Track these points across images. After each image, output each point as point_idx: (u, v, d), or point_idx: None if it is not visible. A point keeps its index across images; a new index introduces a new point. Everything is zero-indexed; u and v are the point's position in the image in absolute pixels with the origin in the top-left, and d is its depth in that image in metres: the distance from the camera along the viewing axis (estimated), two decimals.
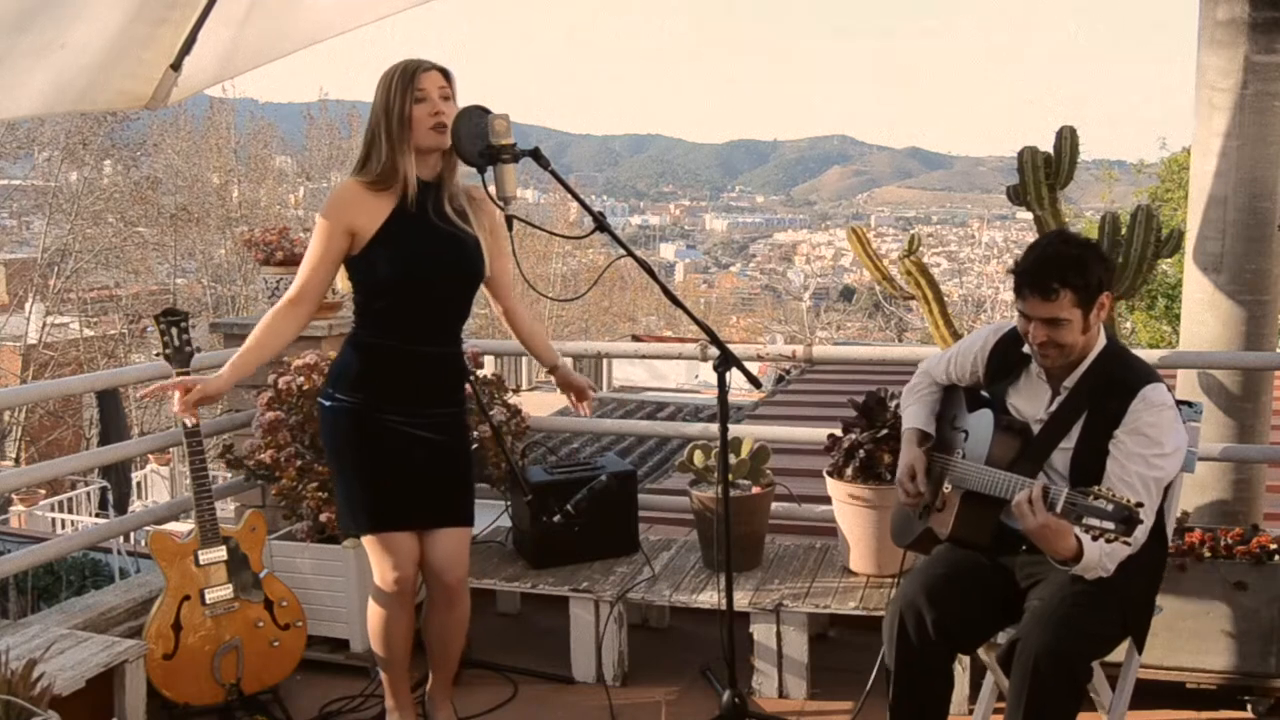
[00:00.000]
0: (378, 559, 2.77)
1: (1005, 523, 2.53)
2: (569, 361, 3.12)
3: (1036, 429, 2.54)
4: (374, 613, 2.85)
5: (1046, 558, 2.42)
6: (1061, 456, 2.50)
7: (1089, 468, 2.44)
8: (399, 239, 2.63)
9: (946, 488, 2.61)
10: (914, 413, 2.80)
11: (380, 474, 2.70)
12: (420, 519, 2.77)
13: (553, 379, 3.05)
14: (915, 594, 2.53)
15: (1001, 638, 2.64)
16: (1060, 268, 2.40)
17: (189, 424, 2.94)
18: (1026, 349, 2.55)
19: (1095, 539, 2.20)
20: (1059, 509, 2.27)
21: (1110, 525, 2.15)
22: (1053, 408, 2.52)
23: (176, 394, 2.67)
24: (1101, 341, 2.51)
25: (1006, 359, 2.64)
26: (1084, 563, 2.33)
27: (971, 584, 2.57)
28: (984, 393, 2.73)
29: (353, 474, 2.73)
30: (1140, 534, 2.28)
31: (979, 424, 2.60)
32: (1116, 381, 2.46)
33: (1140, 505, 2.18)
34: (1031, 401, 2.57)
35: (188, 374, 3.21)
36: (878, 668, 2.91)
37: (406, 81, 2.60)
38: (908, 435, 2.77)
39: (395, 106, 2.59)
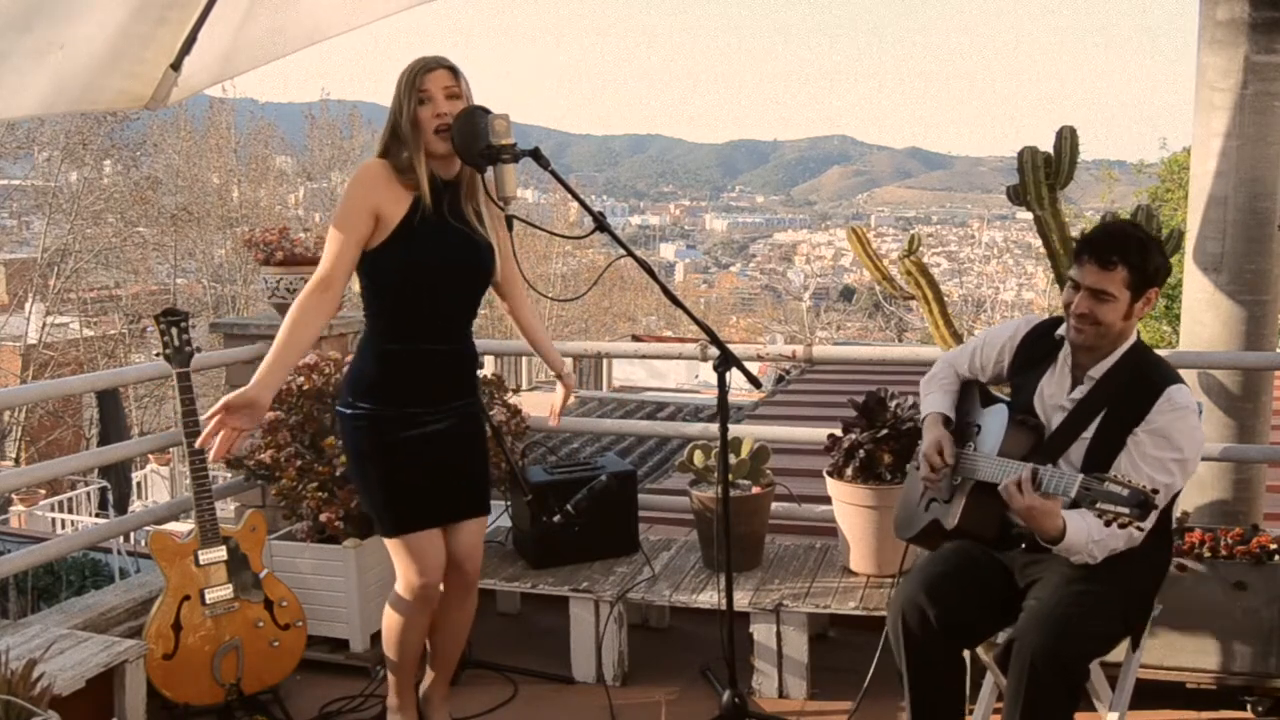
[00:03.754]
0: (403, 564, 2.74)
1: (1010, 518, 2.53)
2: (570, 363, 3.15)
3: (1058, 417, 2.54)
4: (392, 618, 2.83)
5: (1043, 554, 2.44)
6: (1078, 446, 2.50)
7: (1103, 460, 2.44)
8: (414, 239, 2.61)
9: (956, 479, 2.60)
10: (936, 399, 2.79)
11: (403, 477, 2.69)
12: (444, 514, 2.77)
13: (558, 383, 3.07)
14: (915, 592, 2.53)
15: (1001, 637, 2.64)
16: (1124, 243, 2.45)
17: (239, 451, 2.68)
18: (1060, 331, 2.56)
19: (1109, 524, 2.20)
20: (1050, 489, 2.31)
21: (1125, 510, 2.16)
22: (1075, 394, 2.53)
23: (219, 435, 2.43)
24: (1132, 337, 2.52)
25: (1036, 349, 2.65)
26: (1067, 543, 2.35)
27: (971, 582, 2.57)
28: (999, 391, 2.73)
29: (376, 480, 2.71)
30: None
31: (993, 419, 2.61)
32: (1142, 378, 2.47)
33: (1156, 491, 2.19)
34: (1055, 387, 2.58)
35: (187, 374, 3.21)
36: (874, 667, 2.92)
37: (411, 83, 2.59)
38: (932, 419, 2.75)
39: (404, 107, 2.59)
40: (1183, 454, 2.41)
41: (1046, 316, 2.71)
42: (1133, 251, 2.44)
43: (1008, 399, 2.71)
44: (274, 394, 2.54)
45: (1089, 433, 2.49)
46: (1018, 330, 2.72)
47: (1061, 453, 2.51)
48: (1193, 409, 2.44)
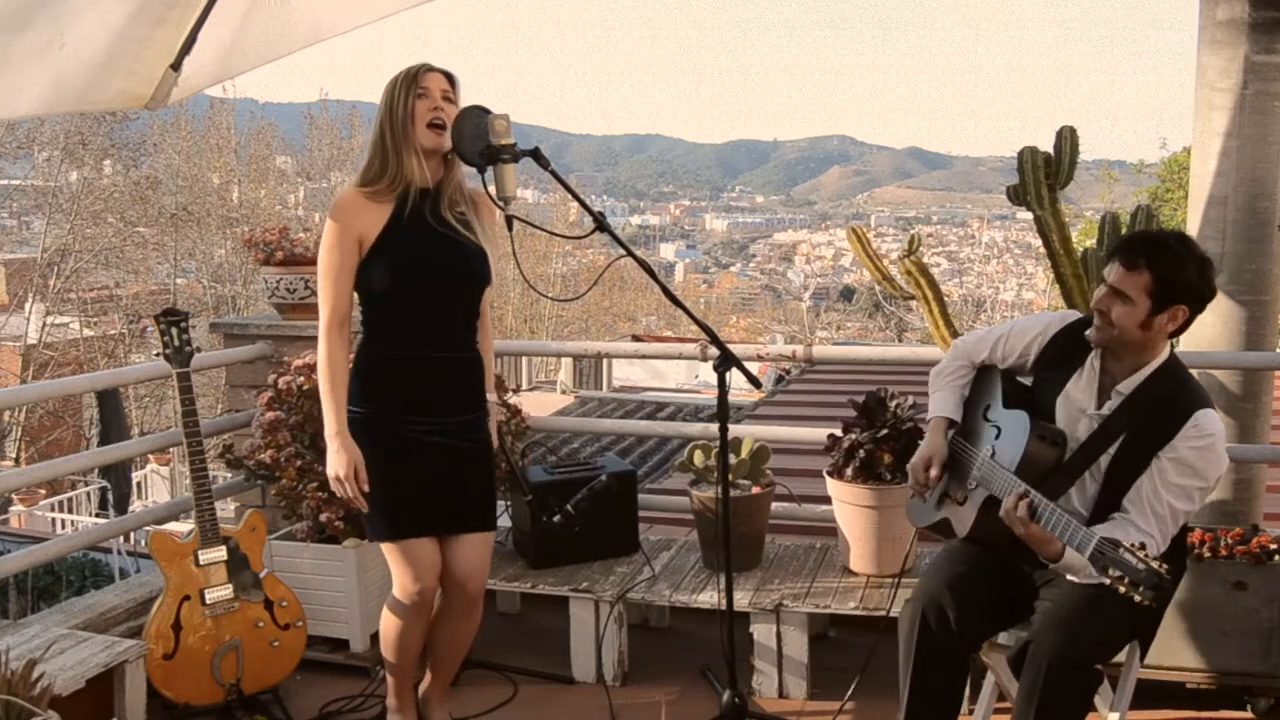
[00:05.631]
0: (398, 569, 2.74)
1: None
2: (497, 406, 2.99)
3: (1082, 425, 2.48)
4: (389, 622, 2.83)
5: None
6: (1099, 466, 2.45)
7: (1125, 478, 2.40)
8: (397, 246, 2.63)
9: (971, 484, 2.57)
10: (943, 399, 2.71)
11: (398, 482, 2.68)
12: (441, 525, 2.75)
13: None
14: (938, 590, 2.51)
15: (1003, 637, 2.64)
16: (1155, 248, 2.37)
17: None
18: (1089, 333, 2.48)
19: (1118, 589, 2.11)
20: (1042, 521, 2.28)
21: (1137, 585, 2.08)
22: (1103, 410, 2.46)
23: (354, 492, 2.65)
24: (1163, 354, 2.45)
25: (1065, 350, 2.57)
26: (1065, 563, 2.33)
27: (990, 584, 2.55)
28: (1024, 381, 2.65)
29: (371, 484, 2.69)
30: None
31: (1013, 425, 2.52)
32: (1171, 399, 2.40)
33: (1168, 569, 2.12)
34: (1081, 393, 2.51)
35: (187, 374, 3.21)
36: (866, 664, 2.91)
37: (410, 80, 2.63)
38: (935, 423, 2.68)
39: (399, 104, 2.61)
40: (1206, 483, 2.37)
41: (1079, 315, 2.63)
42: (1162, 258, 2.35)
43: (1030, 389, 2.62)
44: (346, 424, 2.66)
45: (1110, 452, 2.43)
46: (1049, 326, 2.63)
47: (1083, 472, 2.46)
48: (1219, 435, 2.38)
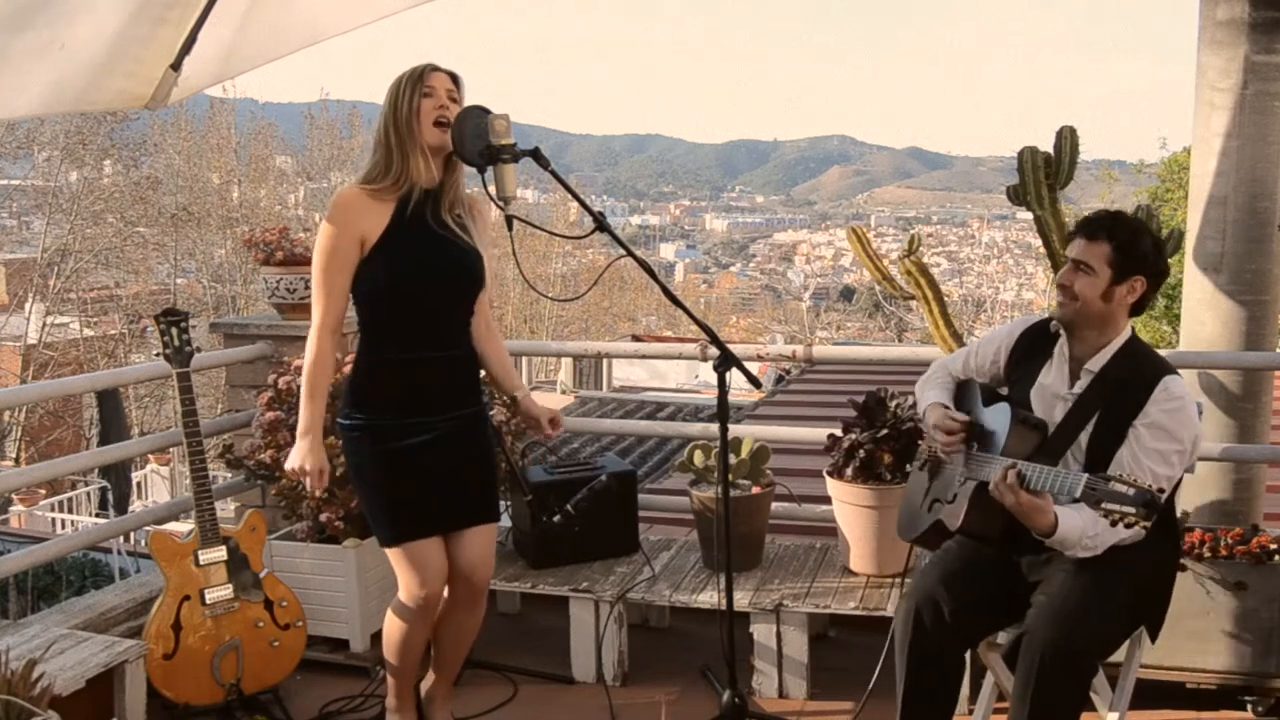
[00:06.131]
0: (404, 573, 2.73)
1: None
2: (530, 392, 2.97)
3: (1059, 408, 2.54)
4: (393, 624, 2.82)
5: (1052, 551, 2.44)
6: (1079, 443, 2.51)
7: (1103, 455, 2.45)
8: (398, 245, 2.63)
9: (959, 480, 2.60)
10: (932, 394, 2.80)
11: (401, 488, 2.68)
12: (443, 523, 2.75)
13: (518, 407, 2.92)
14: (933, 585, 2.53)
15: (1002, 637, 2.64)
16: (1115, 222, 2.52)
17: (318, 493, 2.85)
18: (1052, 312, 2.60)
19: (1114, 524, 2.19)
20: (1039, 487, 2.32)
21: (1131, 510, 2.16)
22: (1075, 389, 2.54)
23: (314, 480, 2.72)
24: (1127, 332, 2.55)
25: (1034, 346, 2.67)
26: (1060, 537, 2.35)
27: (985, 578, 2.57)
28: (1001, 389, 2.73)
29: (374, 489, 2.70)
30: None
31: (995, 418, 2.59)
32: (1137, 371, 2.49)
33: (1162, 491, 2.20)
34: (1054, 379, 2.59)
35: (187, 374, 3.21)
36: (880, 667, 2.91)
37: (416, 79, 2.63)
38: (931, 407, 2.74)
39: (404, 103, 2.61)
40: (1183, 445, 2.43)
41: (1042, 316, 2.72)
42: (1121, 229, 2.49)
43: (1010, 396, 2.69)
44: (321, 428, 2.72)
45: (1088, 428, 2.50)
46: (1014, 329, 2.75)
47: (1066, 449, 2.51)
48: (1189, 399, 2.46)
